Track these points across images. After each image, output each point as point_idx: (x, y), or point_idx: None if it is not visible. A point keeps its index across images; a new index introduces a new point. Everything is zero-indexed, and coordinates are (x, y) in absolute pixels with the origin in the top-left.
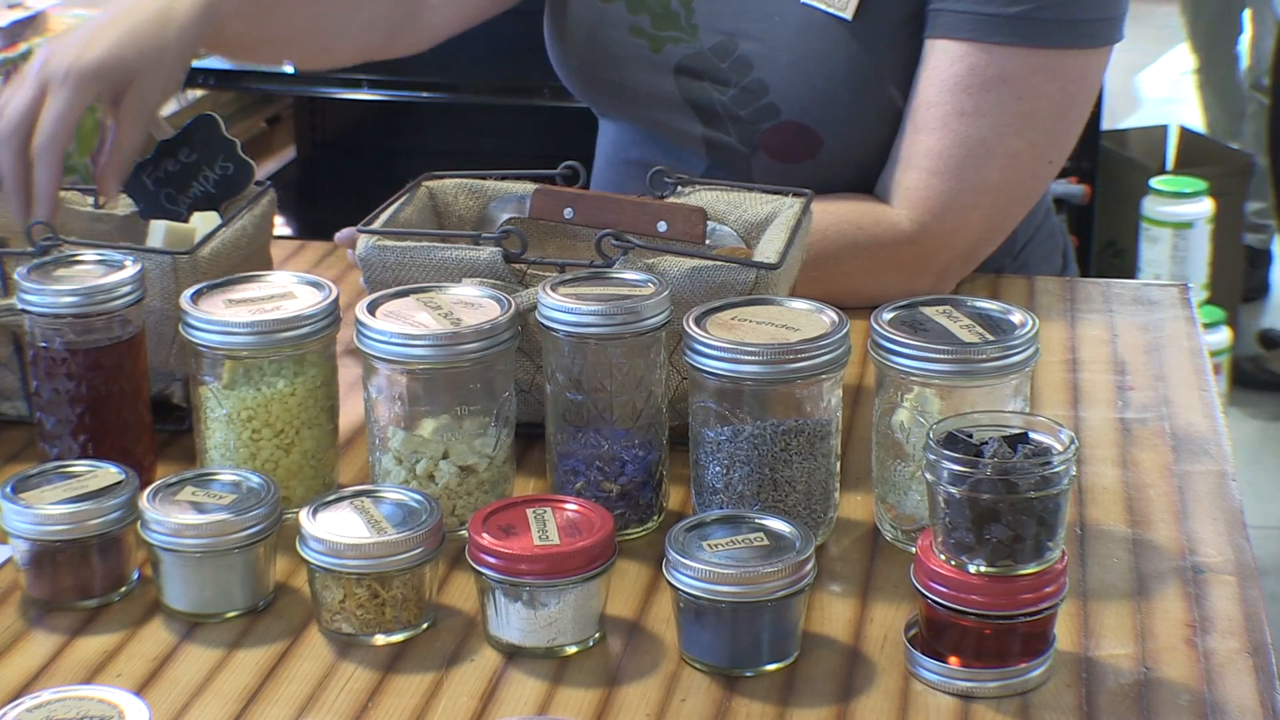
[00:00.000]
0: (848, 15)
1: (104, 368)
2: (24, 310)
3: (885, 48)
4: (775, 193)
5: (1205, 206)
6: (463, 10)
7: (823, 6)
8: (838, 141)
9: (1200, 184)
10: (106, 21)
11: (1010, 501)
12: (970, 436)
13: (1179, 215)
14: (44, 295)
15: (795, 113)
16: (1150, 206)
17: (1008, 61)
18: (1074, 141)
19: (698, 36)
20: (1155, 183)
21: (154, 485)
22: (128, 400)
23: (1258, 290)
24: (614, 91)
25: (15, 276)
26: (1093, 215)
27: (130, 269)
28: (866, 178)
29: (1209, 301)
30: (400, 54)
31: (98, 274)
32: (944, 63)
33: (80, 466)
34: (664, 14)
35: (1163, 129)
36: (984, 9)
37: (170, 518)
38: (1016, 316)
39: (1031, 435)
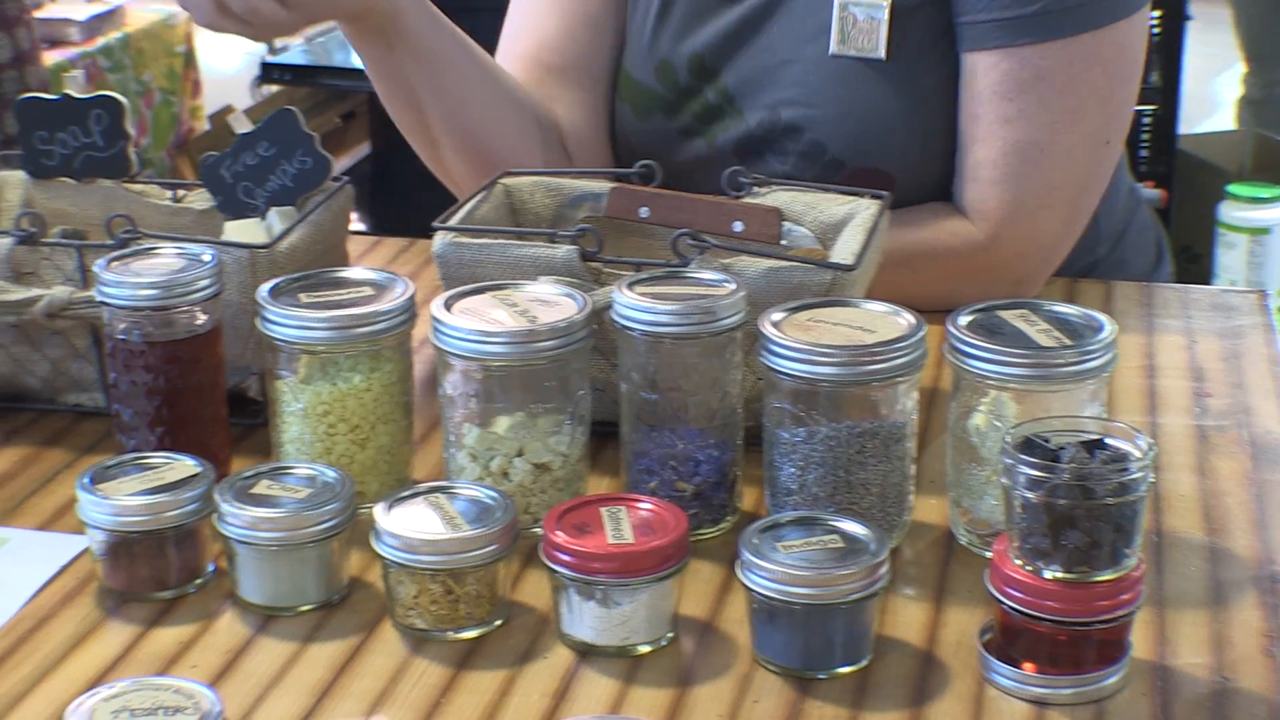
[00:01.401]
0: (881, 55)
1: (181, 360)
2: (103, 302)
3: (924, 74)
4: (851, 194)
5: None
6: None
7: (854, 54)
8: (908, 172)
9: (1277, 189)
10: None
11: (1087, 507)
12: (1047, 442)
13: (1256, 221)
14: (123, 288)
15: (858, 160)
16: (1226, 212)
17: (1040, 59)
18: (1129, 114)
19: (744, 118)
20: (1232, 188)
21: (230, 478)
22: (204, 393)
23: None
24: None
25: (94, 269)
26: (1169, 220)
27: (208, 262)
28: (948, 194)
29: None
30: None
31: (176, 267)
32: (980, 74)
33: (157, 459)
34: (705, 110)
35: (1240, 133)
36: (1005, 13)
37: (246, 511)
38: (1095, 321)
39: (1109, 441)
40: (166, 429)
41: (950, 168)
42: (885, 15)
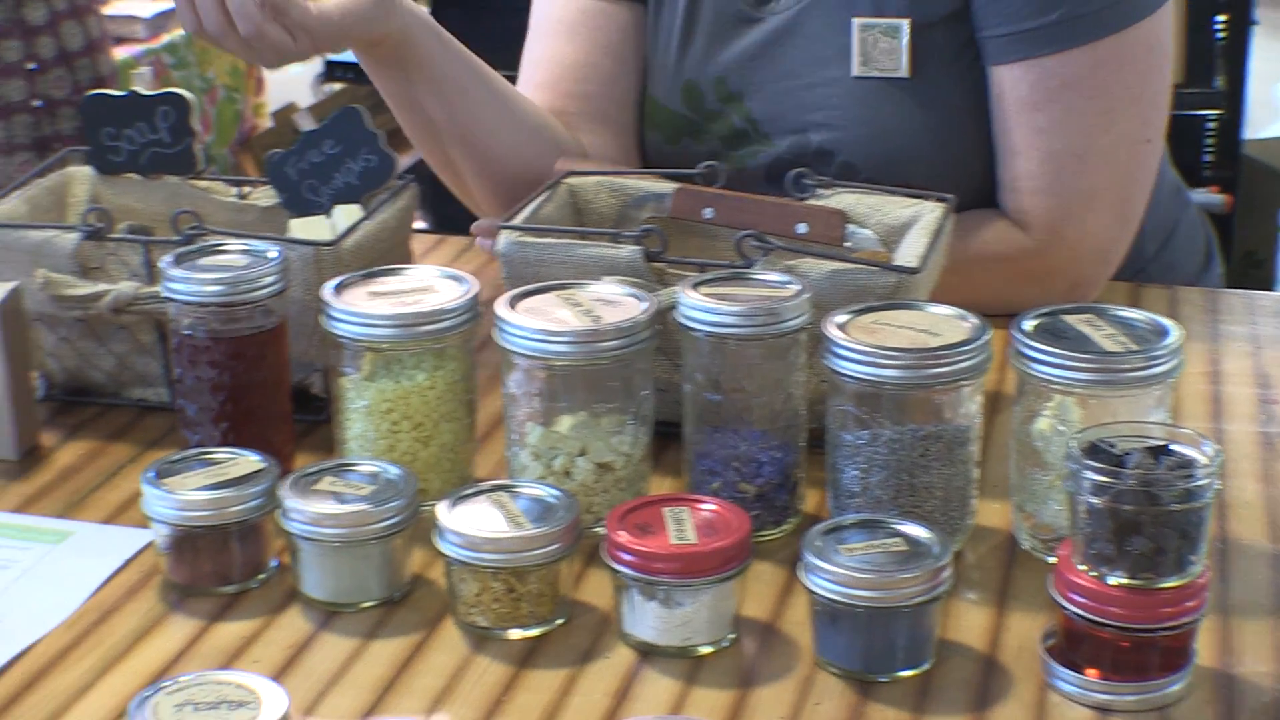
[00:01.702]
0: (905, 74)
1: (246, 356)
2: (168, 298)
3: (949, 90)
4: (916, 197)
5: None
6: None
7: (877, 74)
8: (943, 184)
9: None
10: None
11: (1152, 514)
12: (1112, 447)
13: None
14: (189, 283)
15: (891, 179)
16: None
17: (1065, 67)
18: (1165, 109)
19: (772, 142)
20: None
21: (293, 474)
22: (268, 389)
23: None
24: None
25: (160, 265)
26: (1233, 225)
27: (274, 259)
28: (986, 203)
29: None
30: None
31: (242, 263)
32: (1008, 87)
33: (221, 454)
34: (732, 135)
35: None
36: (1025, 25)
37: (309, 507)
38: (1160, 327)
39: (1174, 447)
40: (231, 424)
41: (982, 180)
42: (906, 34)
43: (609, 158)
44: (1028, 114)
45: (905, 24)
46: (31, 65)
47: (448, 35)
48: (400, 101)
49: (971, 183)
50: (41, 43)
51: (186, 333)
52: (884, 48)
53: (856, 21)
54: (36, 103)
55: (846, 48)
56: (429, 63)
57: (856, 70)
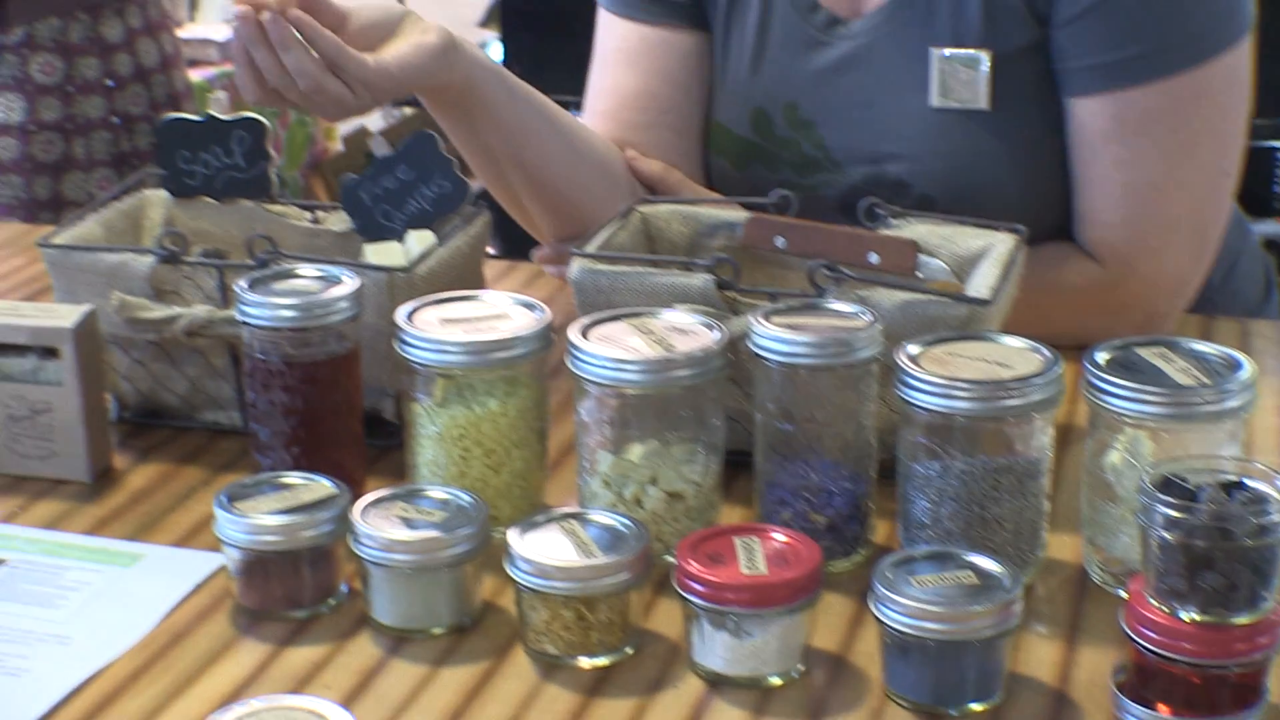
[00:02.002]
0: (985, 106)
1: (319, 381)
2: (243, 322)
3: (1029, 122)
4: (988, 228)
5: None
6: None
7: (958, 105)
8: (1020, 217)
9: None
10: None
11: (1225, 549)
12: (1185, 481)
13: None
14: (263, 308)
15: (969, 210)
16: None
17: (1147, 100)
18: (1241, 142)
19: (844, 171)
20: None
21: (365, 499)
22: (341, 414)
23: None
24: None
25: (235, 289)
26: None
27: (348, 285)
28: (1062, 236)
29: None
30: None
31: (316, 289)
32: (1088, 119)
33: (293, 478)
34: (803, 161)
35: None
36: (1106, 58)
37: (381, 532)
38: (1234, 360)
39: (1247, 482)
40: (303, 449)
41: (1060, 212)
42: (987, 65)
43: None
44: (1108, 146)
45: (986, 56)
46: (109, 82)
47: (513, 79)
48: (464, 141)
49: (1049, 215)
50: (118, 60)
51: (260, 357)
52: (963, 79)
53: (935, 52)
54: (114, 119)
55: (923, 77)
56: (494, 107)
57: (935, 101)
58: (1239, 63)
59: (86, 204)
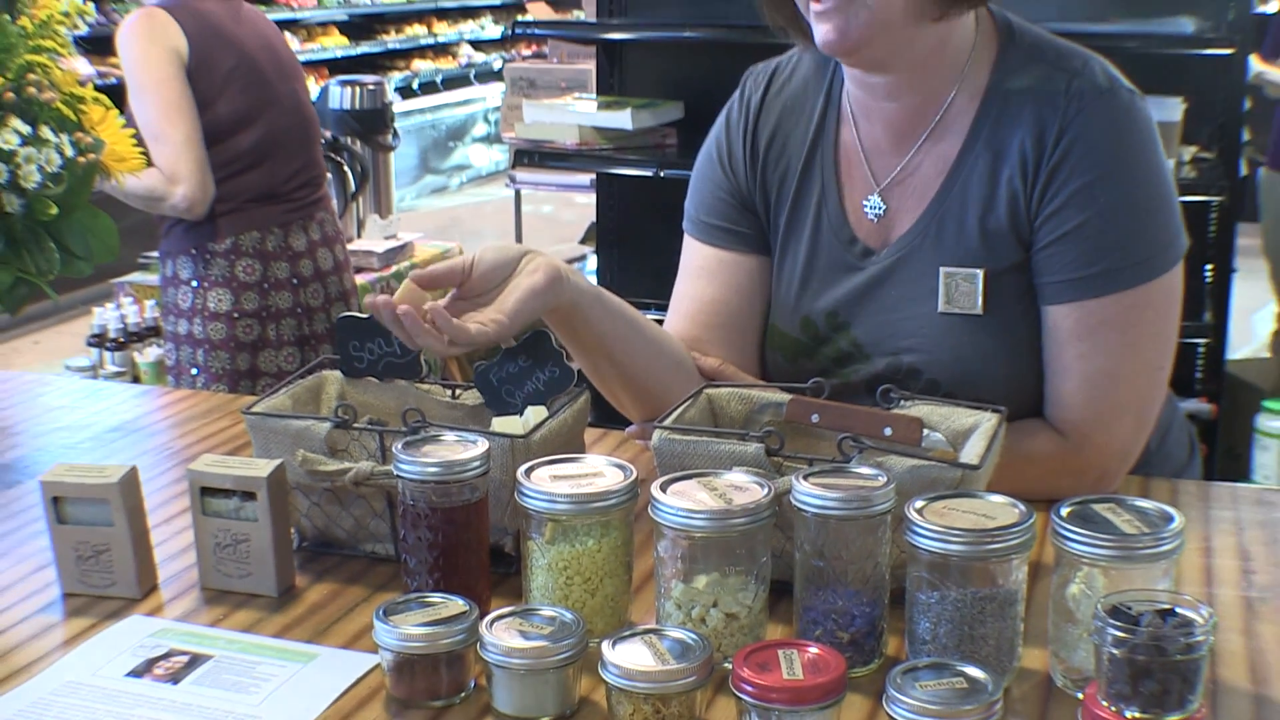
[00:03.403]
0: (979, 311)
1: (456, 523)
2: (398, 475)
3: (1015, 324)
4: (976, 408)
5: None
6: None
7: (958, 311)
8: (1005, 397)
9: None
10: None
11: (1161, 663)
12: (1129, 609)
13: None
14: (414, 465)
15: (965, 393)
16: (1262, 421)
17: (1104, 309)
18: (1174, 345)
19: (872, 361)
20: (1267, 403)
21: (490, 615)
22: (472, 548)
23: None
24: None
25: (392, 449)
26: (1217, 428)
27: (480, 447)
28: (1036, 413)
29: None
30: None
31: (455, 450)
32: (1058, 322)
33: (435, 598)
34: (839, 356)
35: (1274, 360)
36: (1073, 274)
37: (502, 641)
38: (1167, 514)
39: (1178, 609)
40: (442, 575)
41: (1035, 394)
42: (981, 280)
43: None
44: (1073, 343)
45: (980, 273)
46: (295, 281)
47: (609, 297)
48: (569, 341)
49: (1027, 396)
50: (302, 264)
51: (410, 503)
52: (964, 290)
53: (943, 270)
54: (299, 309)
55: (934, 289)
56: (592, 322)
57: (942, 307)
58: (1174, 282)
59: (277, 375)
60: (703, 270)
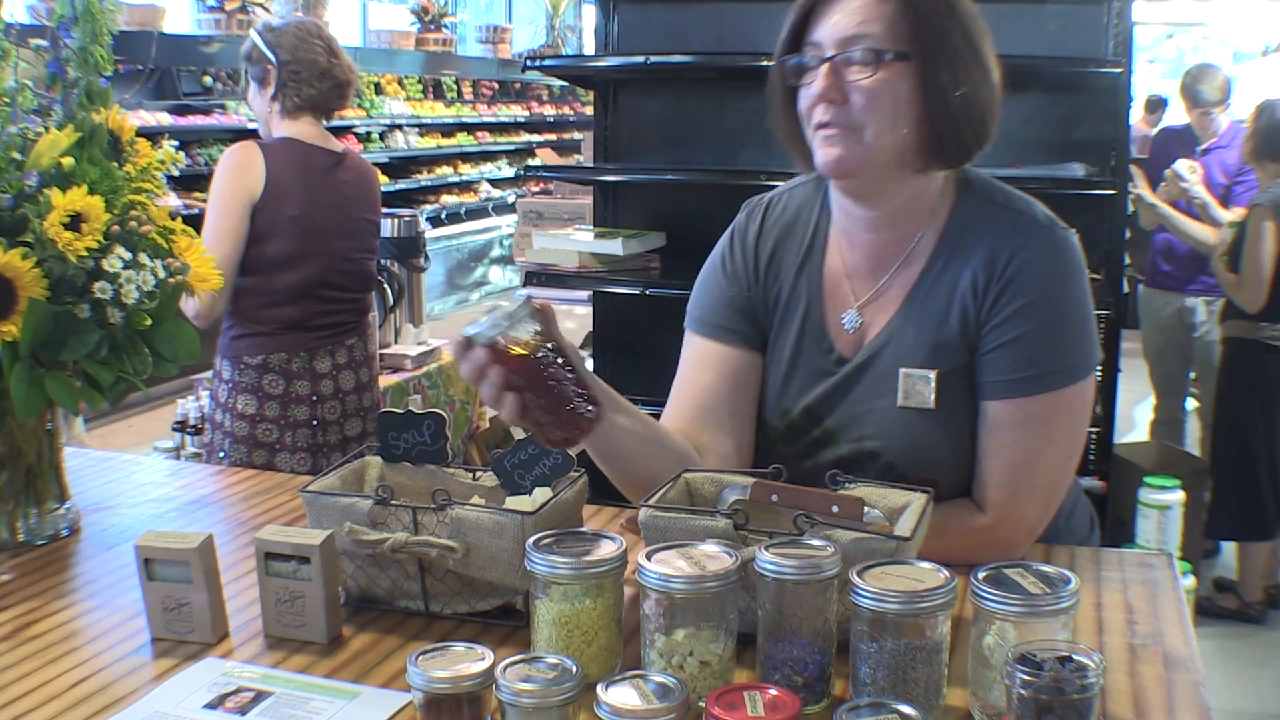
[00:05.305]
0: (931, 406)
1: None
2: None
3: (960, 417)
4: (909, 489)
5: (1178, 496)
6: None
7: (914, 405)
8: (948, 479)
9: (1175, 481)
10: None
11: (1061, 700)
12: (1035, 656)
13: (1162, 501)
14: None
15: (916, 472)
16: (1144, 495)
17: (1031, 406)
18: (1084, 443)
19: (839, 447)
20: (1147, 479)
21: (504, 662)
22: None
23: (1211, 551)
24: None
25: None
26: (1108, 501)
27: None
28: (968, 492)
29: (1181, 559)
30: None
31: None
32: (991, 414)
33: (458, 648)
34: (812, 442)
35: (1152, 444)
36: (1010, 375)
37: (514, 684)
38: (1065, 577)
39: (1075, 656)
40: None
41: (971, 470)
42: (933, 380)
43: (724, 452)
44: (1001, 433)
45: (933, 374)
46: (314, 398)
47: (622, 404)
48: (590, 450)
49: (965, 477)
50: (323, 384)
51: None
52: (919, 388)
53: (902, 371)
54: (314, 422)
55: (894, 387)
56: (605, 431)
57: (900, 402)
58: (1088, 388)
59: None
60: (700, 360)
